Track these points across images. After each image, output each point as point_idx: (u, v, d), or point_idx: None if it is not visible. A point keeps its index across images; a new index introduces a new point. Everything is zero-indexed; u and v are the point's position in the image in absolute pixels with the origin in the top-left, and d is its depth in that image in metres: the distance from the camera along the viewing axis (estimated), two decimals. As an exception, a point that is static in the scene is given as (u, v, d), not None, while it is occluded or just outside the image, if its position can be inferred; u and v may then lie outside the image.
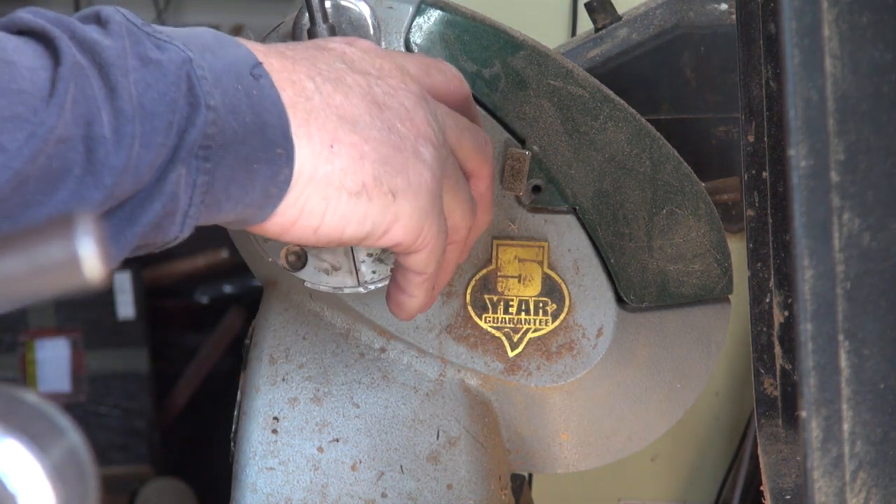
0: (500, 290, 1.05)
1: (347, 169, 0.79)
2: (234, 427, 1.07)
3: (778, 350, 0.89)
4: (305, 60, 0.80)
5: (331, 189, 0.79)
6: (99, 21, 0.74)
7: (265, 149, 0.76)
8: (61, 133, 0.69)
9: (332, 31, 0.92)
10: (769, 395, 0.92)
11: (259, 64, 0.77)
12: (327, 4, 0.93)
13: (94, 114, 0.70)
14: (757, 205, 0.90)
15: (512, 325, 1.05)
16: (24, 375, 3.19)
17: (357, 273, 0.99)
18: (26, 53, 0.71)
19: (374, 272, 0.99)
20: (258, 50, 0.79)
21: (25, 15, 0.73)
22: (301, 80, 0.79)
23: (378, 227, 0.81)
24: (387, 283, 0.98)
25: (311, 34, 0.91)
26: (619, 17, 1.28)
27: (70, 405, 3.25)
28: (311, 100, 0.78)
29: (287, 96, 0.78)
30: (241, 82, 0.75)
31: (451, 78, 0.90)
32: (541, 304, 1.05)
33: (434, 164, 0.83)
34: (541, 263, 1.04)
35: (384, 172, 0.80)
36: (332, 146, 0.78)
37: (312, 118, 0.78)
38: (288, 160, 0.77)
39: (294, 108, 0.78)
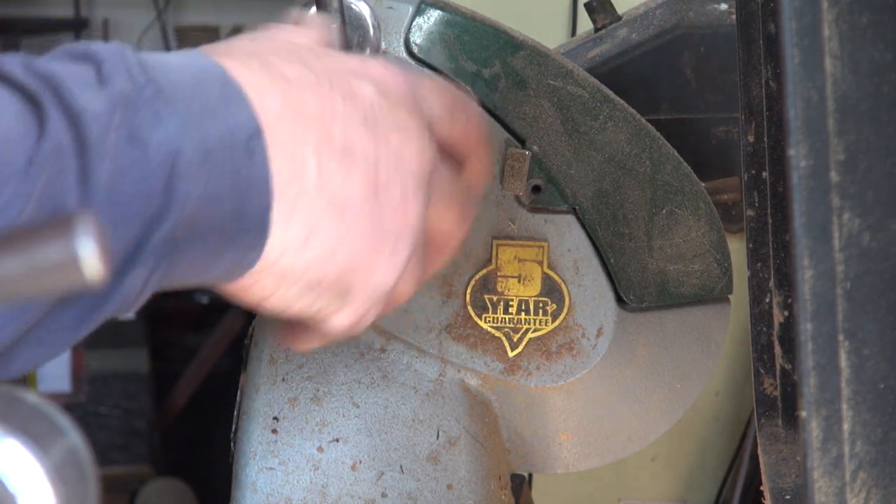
0: (499, 290, 1.05)
1: (313, 264, 0.73)
2: (234, 427, 1.07)
3: (778, 350, 0.89)
4: (321, 122, 0.73)
5: (289, 278, 0.73)
6: (100, 73, 0.67)
7: (237, 235, 0.70)
8: (26, 217, 0.62)
9: (343, 32, 0.91)
10: (769, 395, 0.92)
11: (258, 134, 0.69)
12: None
13: (61, 203, 0.63)
14: (757, 205, 0.90)
15: (512, 325, 1.05)
16: (24, 375, 3.19)
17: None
18: (7, 115, 0.63)
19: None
20: (271, 110, 0.70)
21: (16, 67, 0.65)
22: (303, 156, 0.71)
23: (322, 313, 0.77)
24: None
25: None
26: (619, 17, 1.29)
27: (70, 405, 3.26)
28: (305, 182, 0.71)
29: (280, 178, 0.70)
30: (232, 159, 0.68)
31: (473, 121, 0.83)
32: (541, 304, 1.05)
33: (404, 262, 0.77)
34: (541, 263, 1.04)
35: (348, 272, 0.75)
36: (307, 239, 0.72)
37: (298, 205, 0.71)
38: (258, 246, 0.71)
39: (282, 193, 0.70)
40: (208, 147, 0.67)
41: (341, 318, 0.78)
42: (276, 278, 0.73)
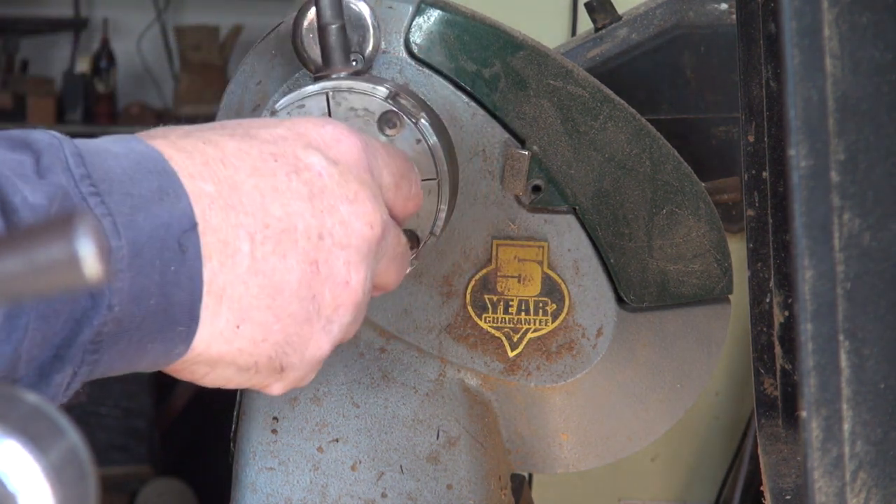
0: (500, 290, 1.05)
1: (244, 349, 0.72)
2: (234, 427, 1.07)
3: (778, 350, 0.89)
4: (259, 203, 0.71)
5: (220, 364, 0.73)
6: (38, 164, 0.65)
7: (164, 329, 0.69)
8: None
9: (343, 31, 0.91)
10: (769, 395, 0.92)
11: (193, 227, 0.68)
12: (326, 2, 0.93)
13: None
14: (757, 205, 0.90)
15: (512, 325, 1.05)
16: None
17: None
18: None
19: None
20: (205, 196, 0.69)
21: None
22: (236, 241, 0.70)
23: (259, 385, 0.77)
24: None
25: (322, 31, 0.91)
26: (619, 17, 1.29)
27: (70, 405, 3.25)
28: (237, 268, 0.70)
29: (210, 268, 0.69)
30: (162, 255, 0.67)
31: (414, 195, 0.83)
32: (541, 304, 1.05)
33: (341, 329, 0.77)
34: (541, 263, 1.04)
35: (282, 352, 0.74)
36: (238, 326, 0.71)
37: (227, 294, 0.70)
38: (187, 337, 0.70)
39: (212, 283, 0.69)
40: (140, 244, 0.66)
41: (278, 388, 0.78)
42: (207, 365, 0.72)
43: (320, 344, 0.76)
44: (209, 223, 0.69)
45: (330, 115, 0.90)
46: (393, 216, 0.81)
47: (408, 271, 0.89)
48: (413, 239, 0.92)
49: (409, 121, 0.90)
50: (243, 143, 0.73)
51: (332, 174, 0.74)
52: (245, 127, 0.75)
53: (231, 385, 0.76)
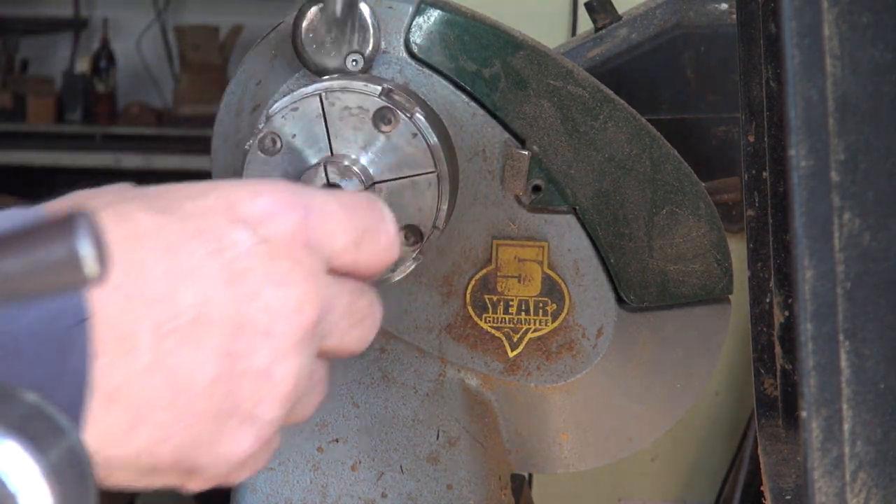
0: (499, 290, 1.05)
1: (143, 451, 0.64)
2: (233, 427, 1.07)
3: (778, 350, 0.89)
4: (170, 291, 0.63)
5: (116, 466, 0.65)
6: None
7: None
8: None
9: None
10: (769, 395, 0.92)
11: (83, 321, 0.60)
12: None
13: None
14: (757, 205, 0.90)
15: (512, 325, 1.05)
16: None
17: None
18: None
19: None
20: (105, 283, 0.59)
21: None
22: (134, 336, 0.62)
23: (171, 486, 0.69)
24: (382, 283, 0.97)
25: (351, 10, 0.91)
26: (619, 17, 1.29)
27: (70, 405, 3.24)
28: (134, 364, 0.62)
29: (102, 364, 0.61)
30: (44, 350, 0.59)
31: (384, 248, 0.73)
32: (541, 304, 1.05)
33: (270, 426, 0.68)
34: (541, 263, 1.04)
35: (189, 453, 0.66)
36: (133, 428, 0.63)
37: (123, 392, 0.62)
38: None
39: (103, 381, 0.61)
40: (18, 337, 0.59)
41: (195, 486, 0.70)
42: (103, 468, 0.64)
43: (238, 441, 0.67)
44: (106, 315, 0.61)
45: (325, 115, 0.90)
46: (358, 275, 0.73)
47: (412, 268, 0.88)
48: (416, 234, 0.92)
49: (403, 116, 0.90)
50: (163, 217, 0.65)
51: (258, 253, 0.66)
52: (169, 198, 0.67)
53: (137, 486, 0.68)
